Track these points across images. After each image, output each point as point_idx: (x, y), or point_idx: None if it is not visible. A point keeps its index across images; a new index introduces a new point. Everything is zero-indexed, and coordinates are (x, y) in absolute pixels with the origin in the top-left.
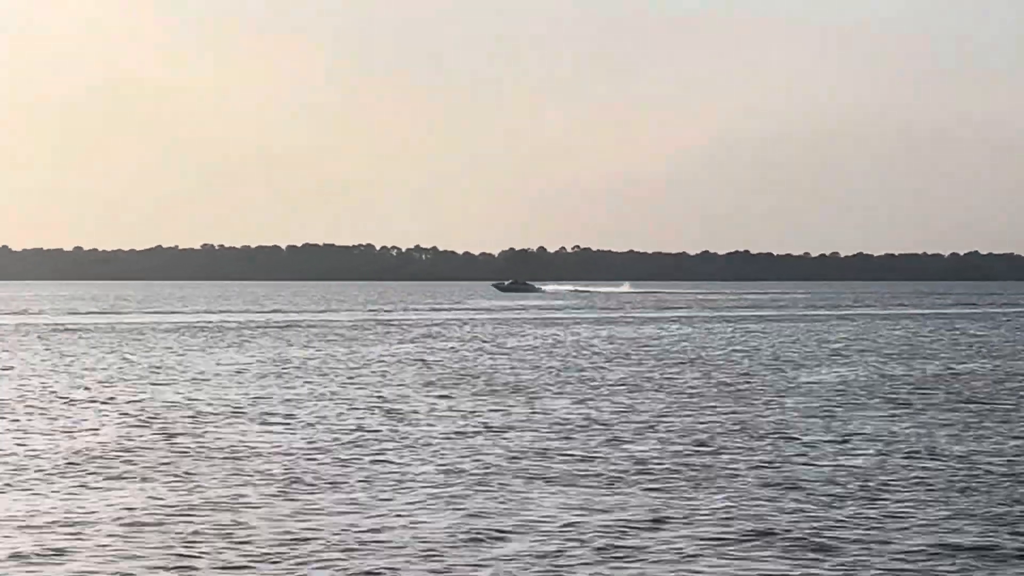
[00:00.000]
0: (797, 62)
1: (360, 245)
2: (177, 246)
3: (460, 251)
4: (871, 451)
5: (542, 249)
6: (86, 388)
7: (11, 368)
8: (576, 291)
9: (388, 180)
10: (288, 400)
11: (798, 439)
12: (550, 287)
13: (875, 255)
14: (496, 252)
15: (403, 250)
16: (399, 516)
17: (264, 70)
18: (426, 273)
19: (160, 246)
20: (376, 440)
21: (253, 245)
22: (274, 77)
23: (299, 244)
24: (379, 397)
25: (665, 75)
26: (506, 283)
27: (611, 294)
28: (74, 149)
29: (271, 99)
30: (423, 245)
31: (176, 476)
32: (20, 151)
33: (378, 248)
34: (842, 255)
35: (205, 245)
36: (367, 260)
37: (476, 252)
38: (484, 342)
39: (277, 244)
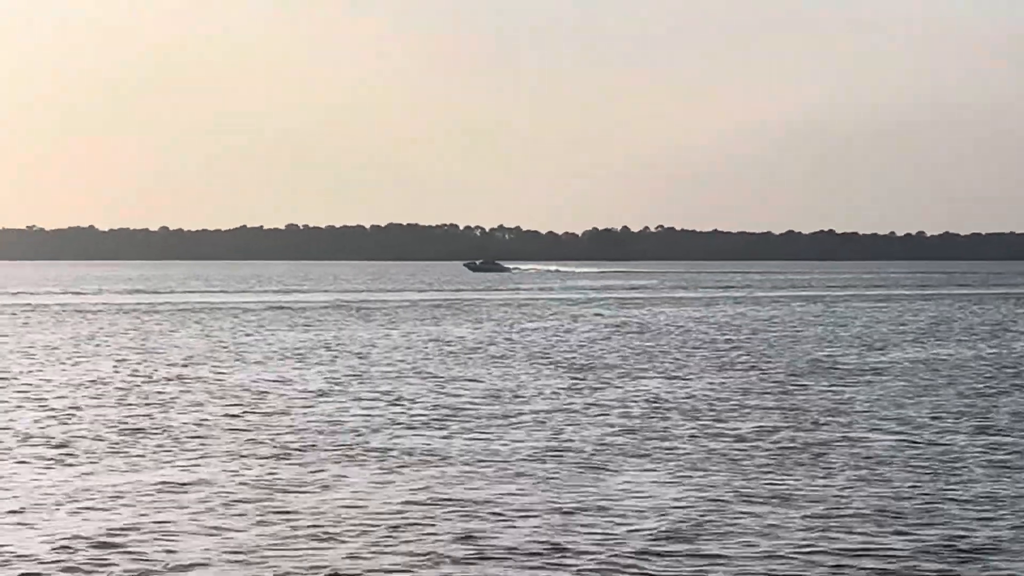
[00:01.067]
0: (884, 43)
1: (444, 225)
2: (262, 226)
3: (543, 231)
4: (967, 428)
5: (626, 229)
6: (198, 366)
7: (107, 346)
8: (548, 271)
9: (473, 159)
10: (385, 377)
11: (891, 418)
12: (523, 267)
13: (961, 234)
14: (580, 232)
15: (487, 230)
16: (501, 491)
17: (348, 51)
18: (509, 253)
19: (245, 226)
20: (471, 418)
21: (337, 225)
22: (359, 59)
23: (383, 224)
24: (470, 377)
25: (753, 52)
26: (477, 263)
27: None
28: (160, 131)
29: (355, 80)
30: (507, 225)
31: (276, 452)
32: (107, 133)
33: (461, 228)
34: (928, 234)
35: (289, 225)
36: (450, 240)
37: (560, 232)
38: (552, 323)
39: (361, 224)
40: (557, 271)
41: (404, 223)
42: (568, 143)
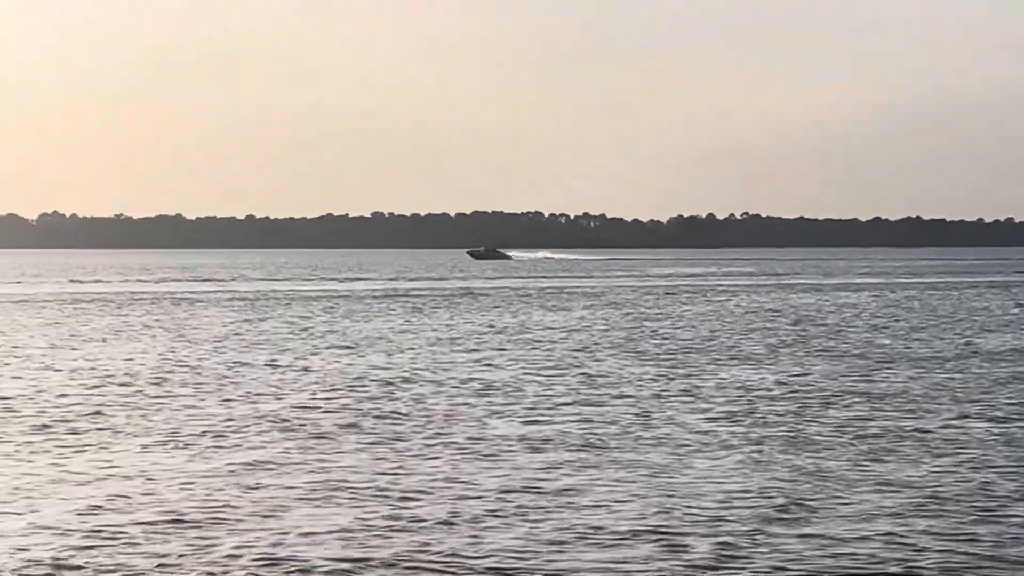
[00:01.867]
0: (970, 30)
1: (528, 212)
2: (348, 214)
3: (629, 218)
4: None
5: (711, 216)
6: (294, 354)
7: (199, 334)
8: (548, 258)
9: (558, 146)
10: (492, 366)
11: (987, 404)
12: (521, 254)
13: None
14: (665, 219)
15: (571, 217)
16: (598, 477)
17: (433, 39)
18: (594, 240)
19: (331, 214)
20: (583, 404)
21: (423, 213)
22: (443, 46)
23: (468, 212)
24: (576, 363)
25: (839, 36)
26: (481, 250)
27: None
28: (247, 120)
29: (439, 68)
30: (591, 212)
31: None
32: (193, 123)
33: (546, 215)
34: (1016, 220)
35: (375, 213)
36: (535, 227)
37: (645, 219)
38: (651, 309)
39: (446, 212)
40: (548, 258)
41: (489, 211)
42: (654, 130)
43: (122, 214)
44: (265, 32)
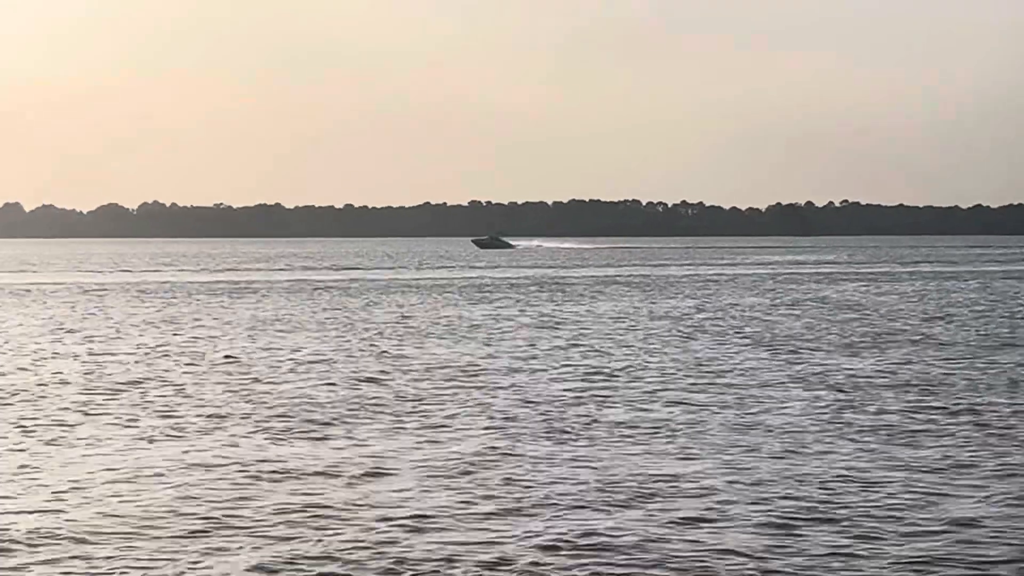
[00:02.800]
0: None
1: (626, 201)
2: (445, 203)
3: (727, 206)
4: None
5: (810, 204)
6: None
7: (305, 320)
8: (539, 246)
9: (655, 135)
10: (601, 353)
11: None
12: (522, 243)
13: None
14: (763, 207)
15: (669, 205)
16: (713, 464)
17: (532, 32)
18: (692, 229)
19: (428, 203)
20: (690, 392)
21: (520, 201)
22: (541, 39)
23: (565, 200)
24: (682, 351)
25: (940, 21)
26: (486, 238)
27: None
28: (345, 109)
29: (537, 59)
30: (689, 200)
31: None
32: (293, 112)
33: (644, 204)
34: None
35: (472, 202)
36: (632, 216)
37: (743, 207)
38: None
39: (543, 200)
40: (540, 246)
41: (586, 199)
42: (752, 118)
43: (221, 203)
44: (363, 25)
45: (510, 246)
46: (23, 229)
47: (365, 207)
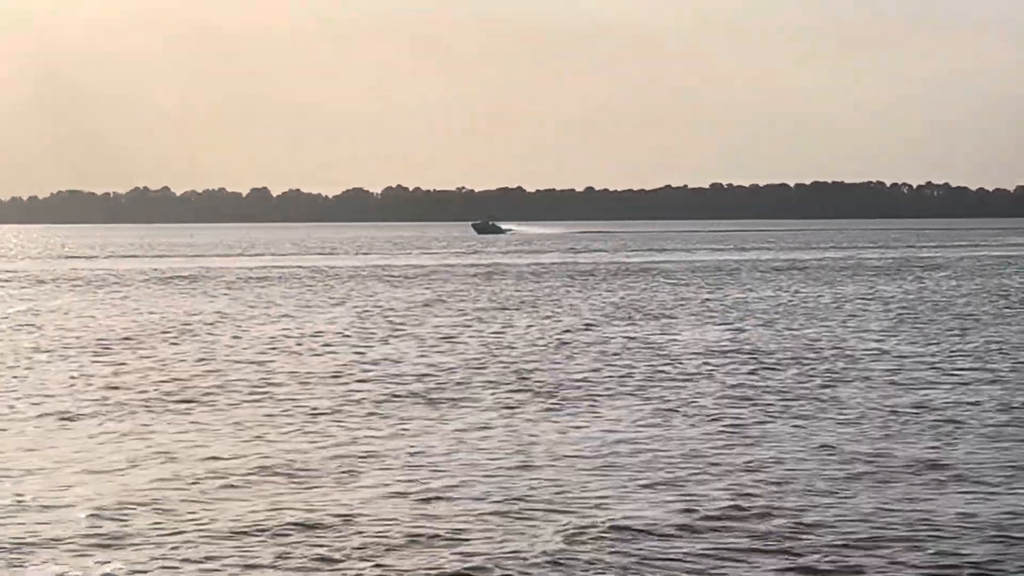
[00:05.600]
0: None
1: (870, 182)
2: (686, 185)
3: (973, 187)
4: None
5: None
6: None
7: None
8: (512, 231)
9: (897, 115)
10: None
11: None
12: (515, 227)
13: None
14: (1012, 187)
15: (914, 187)
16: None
17: (780, 21)
18: (937, 211)
19: (669, 186)
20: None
21: (761, 184)
22: (790, 18)
23: (807, 182)
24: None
25: None
26: (489, 223)
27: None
28: (582, 95)
29: (777, 46)
30: (935, 181)
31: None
32: (534, 100)
33: (888, 185)
34: None
35: (714, 184)
36: (875, 197)
37: (990, 188)
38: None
39: (785, 182)
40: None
41: (829, 181)
42: (1002, 98)
43: (463, 187)
44: (617, 9)
45: (503, 231)
46: (271, 214)
47: (606, 190)
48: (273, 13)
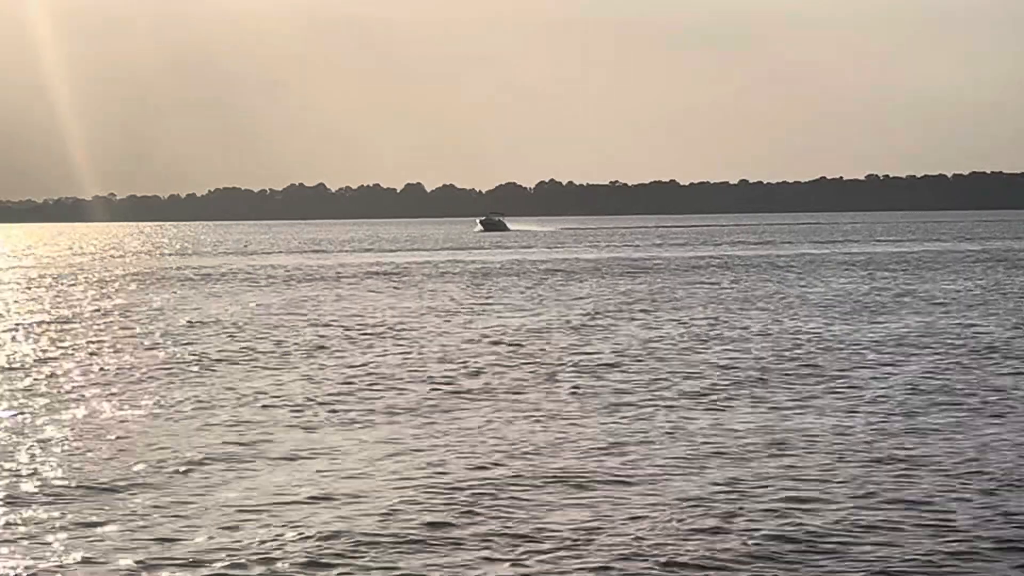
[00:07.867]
0: None
1: None
2: (841, 177)
3: None
4: None
5: None
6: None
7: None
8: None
9: None
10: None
11: None
12: (516, 226)
13: None
14: None
15: None
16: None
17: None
18: None
19: (824, 177)
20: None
21: (918, 175)
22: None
23: (966, 173)
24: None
25: None
26: (495, 219)
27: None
28: (745, 84)
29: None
30: None
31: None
32: (683, 92)
33: None
34: None
35: (869, 176)
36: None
37: None
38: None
39: (943, 173)
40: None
41: (988, 171)
42: None
43: (617, 180)
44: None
45: (506, 228)
46: (425, 208)
47: (760, 183)
48: (428, 7)
